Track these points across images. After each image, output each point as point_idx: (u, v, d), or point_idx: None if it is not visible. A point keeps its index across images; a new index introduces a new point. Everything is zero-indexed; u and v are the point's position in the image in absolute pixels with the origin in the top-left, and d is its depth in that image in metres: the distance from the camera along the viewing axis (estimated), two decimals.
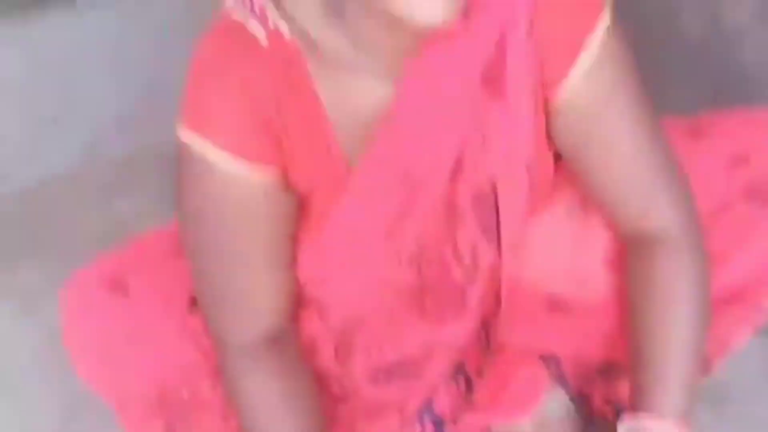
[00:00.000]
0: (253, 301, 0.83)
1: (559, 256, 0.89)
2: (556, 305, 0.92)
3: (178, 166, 0.77)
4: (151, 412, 0.90)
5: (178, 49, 1.59)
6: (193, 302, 0.88)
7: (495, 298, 0.90)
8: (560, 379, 0.98)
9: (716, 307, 0.84)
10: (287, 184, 0.77)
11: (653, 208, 0.80)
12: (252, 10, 0.72)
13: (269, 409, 0.84)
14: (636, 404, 0.80)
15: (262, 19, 0.72)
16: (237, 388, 0.85)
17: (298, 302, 0.88)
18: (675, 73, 1.44)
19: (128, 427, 0.92)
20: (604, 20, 0.76)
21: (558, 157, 0.84)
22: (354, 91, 0.74)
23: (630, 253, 0.84)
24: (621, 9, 0.79)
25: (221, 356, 0.86)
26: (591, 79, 0.76)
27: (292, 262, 0.84)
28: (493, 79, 0.74)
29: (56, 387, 1.22)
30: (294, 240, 0.82)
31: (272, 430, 0.84)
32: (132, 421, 0.91)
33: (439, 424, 0.97)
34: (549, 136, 0.81)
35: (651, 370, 0.79)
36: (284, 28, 0.72)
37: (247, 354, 0.84)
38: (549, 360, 0.98)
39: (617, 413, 0.89)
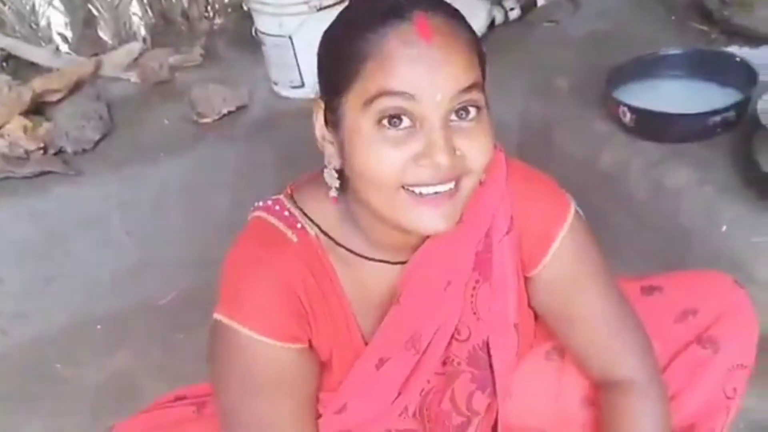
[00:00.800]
0: None
1: (541, 396, 0.99)
2: None
3: (214, 342, 0.85)
4: None
5: (174, 212, 1.72)
6: None
7: None
8: None
9: None
10: (312, 350, 0.87)
11: (619, 360, 0.92)
12: (282, 213, 0.85)
13: None
14: None
15: (291, 220, 0.84)
16: None
17: None
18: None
19: None
20: (570, 216, 0.90)
21: (537, 314, 0.97)
22: (368, 277, 0.87)
23: (602, 396, 0.95)
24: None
25: None
26: (560, 262, 0.90)
27: (316, 418, 0.90)
28: (482, 265, 0.89)
29: None
30: (317, 400, 0.90)
31: None
32: None
33: None
34: (529, 301, 0.94)
35: None
36: (309, 227, 0.84)
37: None
38: None
39: None
